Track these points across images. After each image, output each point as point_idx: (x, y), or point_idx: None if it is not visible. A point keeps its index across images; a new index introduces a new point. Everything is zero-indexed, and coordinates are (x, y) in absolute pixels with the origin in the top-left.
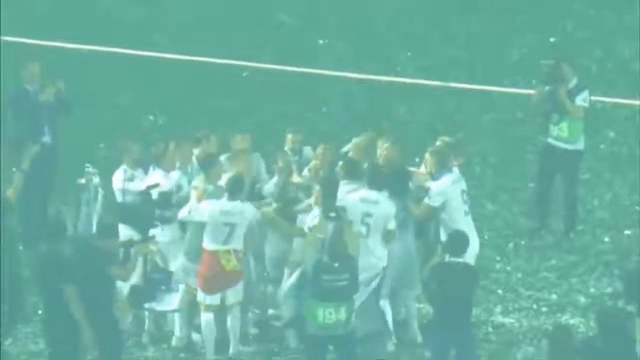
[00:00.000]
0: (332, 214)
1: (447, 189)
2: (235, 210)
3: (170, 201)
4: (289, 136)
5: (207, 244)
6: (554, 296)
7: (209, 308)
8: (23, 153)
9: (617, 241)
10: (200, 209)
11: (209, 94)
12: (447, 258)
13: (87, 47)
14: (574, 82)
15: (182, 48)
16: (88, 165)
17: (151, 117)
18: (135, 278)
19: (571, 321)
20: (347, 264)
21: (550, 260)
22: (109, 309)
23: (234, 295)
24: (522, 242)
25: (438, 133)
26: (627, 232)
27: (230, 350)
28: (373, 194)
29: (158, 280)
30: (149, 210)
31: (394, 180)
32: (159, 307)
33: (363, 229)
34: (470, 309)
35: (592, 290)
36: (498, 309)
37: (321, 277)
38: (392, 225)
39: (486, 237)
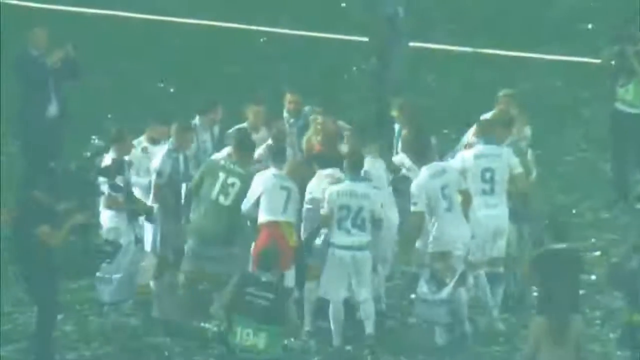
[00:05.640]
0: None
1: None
2: (286, 177)
3: (122, 170)
4: (287, 96)
5: (266, 216)
6: (593, 277)
7: None
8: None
9: None
10: (254, 184)
11: (222, 60)
12: (549, 244)
13: (91, 11)
14: None
15: (194, 12)
16: (94, 137)
17: (161, 85)
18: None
19: (612, 305)
20: (274, 285)
21: (590, 238)
22: (43, 264)
23: (291, 276)
24: (559, 220)
25: (468, 103)
26: None
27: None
28: (458, 161)
29: (105, 253)
30: (90, 179)
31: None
32: (111, 298)
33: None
34: (578, 295)
35: None
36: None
37: (245, 289)
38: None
39: None
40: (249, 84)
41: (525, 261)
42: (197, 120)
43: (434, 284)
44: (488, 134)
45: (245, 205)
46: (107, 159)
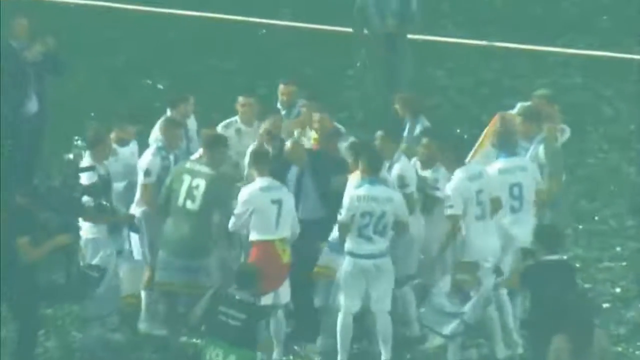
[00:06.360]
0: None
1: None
2: (275, 185)
3: (108, 189)
4: (280, 87)
5: (258, 234)
6: (618, 290)
7: None
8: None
9: None
10: (242, 202)
11: (218, 54)
12: (541, 256)
13: (76, 1)
14: None
15: (186, 2)
16: (77, 138)
17: (149, 81)
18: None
19: (639, 320)
20: (248, 304)
21: (614, 247)
22: (23, 277)
23: (285, 293)
24: (581, 227)
25: (481, 100)
26: None
27: (275, 356)
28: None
29: (91, 279)
30: (75, 197)
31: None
32: (93, 313)
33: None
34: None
35: None
36: None
37: (217, 307)
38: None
39: None
40: (247, 80)
41: (514, 274)
42: (168, 114)
43: (456, 296)
44: (508, 145)
45: (235, 224)
46: (85, 178)
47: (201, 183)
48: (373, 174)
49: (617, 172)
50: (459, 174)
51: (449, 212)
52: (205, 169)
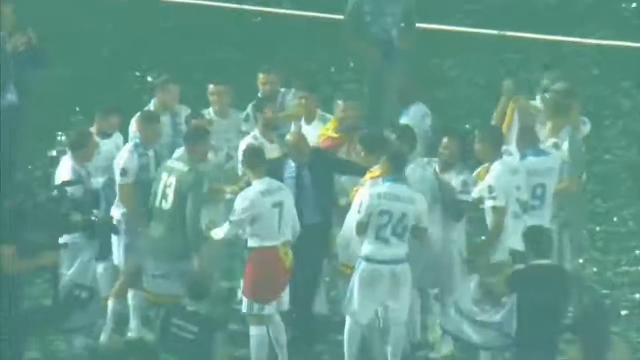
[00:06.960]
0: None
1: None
2: (274, 187)
3: (98, 204)
4: (260, 77)
5: (260, 242)
6: (638, 295)
7: (264, 320)
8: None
9: None
10: (242, 209)
11: (210, 44)
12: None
13: None
14: None
15: None
16: (60, 133)
17: (138, 74)
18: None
19: None
20: (200, 316)
21: (634, 250)
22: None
23: (286, 299)
24: (598, 229)
25: (493, 94)
26: None
27: None
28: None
29: (82, 300)
30: (62, 212)
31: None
32: (77, 322)
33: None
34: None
35: None
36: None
37: (170, 319)
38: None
39: None
40: (241, 71)
41: (501, 279)
42: (152, 105)
43: (488, 302)
44: (531, 143)
45: (231, 231)
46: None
47: (173, 181)
48: (396, 172)
49: (636, 169)
50: (498, 166)
51: (491, 203)
52: (180, 166)
